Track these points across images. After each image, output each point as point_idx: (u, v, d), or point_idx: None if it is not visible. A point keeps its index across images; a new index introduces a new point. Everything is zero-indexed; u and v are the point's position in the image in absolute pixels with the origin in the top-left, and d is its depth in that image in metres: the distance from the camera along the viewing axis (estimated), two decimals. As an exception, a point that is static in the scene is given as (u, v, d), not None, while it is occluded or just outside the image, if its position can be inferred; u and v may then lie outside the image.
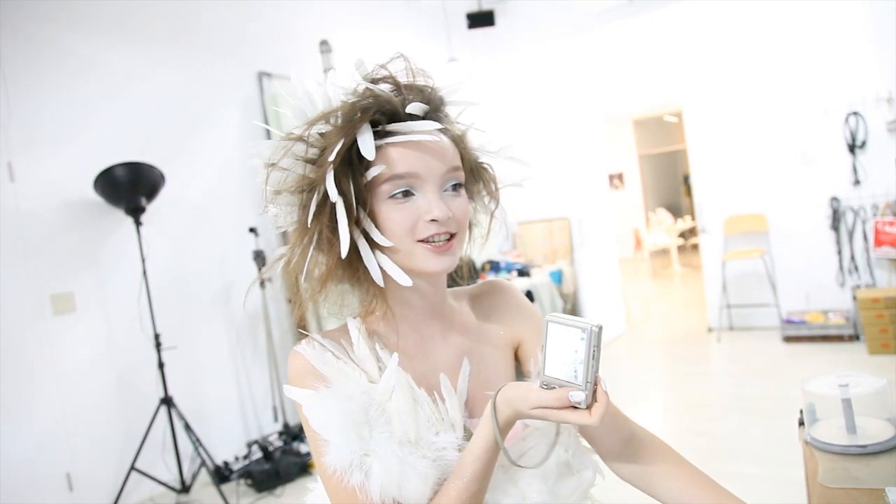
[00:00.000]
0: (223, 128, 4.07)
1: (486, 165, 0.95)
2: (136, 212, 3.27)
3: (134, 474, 3.24)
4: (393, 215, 0.80)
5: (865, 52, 4.72)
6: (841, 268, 4.99)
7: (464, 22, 5.73)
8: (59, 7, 3.27)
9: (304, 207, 0.82)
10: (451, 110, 0.90)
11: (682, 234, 10.82)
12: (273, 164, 0.82)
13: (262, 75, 4.27)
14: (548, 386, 0.72)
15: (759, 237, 5.35)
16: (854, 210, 4.90)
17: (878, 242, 4.73)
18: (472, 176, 0.92)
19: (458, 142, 0.88)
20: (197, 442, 3.37)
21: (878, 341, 4.35)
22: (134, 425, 3.37)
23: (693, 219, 10.29)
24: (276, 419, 3.97)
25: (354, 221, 0.80)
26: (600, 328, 0.69)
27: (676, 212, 11.40)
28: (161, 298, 3.45)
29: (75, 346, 3.24)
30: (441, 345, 0.92)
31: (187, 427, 3.36)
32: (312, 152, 0.81)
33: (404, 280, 0.81)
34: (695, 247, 10.69)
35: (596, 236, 6.12)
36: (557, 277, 5.81)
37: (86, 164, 3.23)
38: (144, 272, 3.30)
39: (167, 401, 3.32)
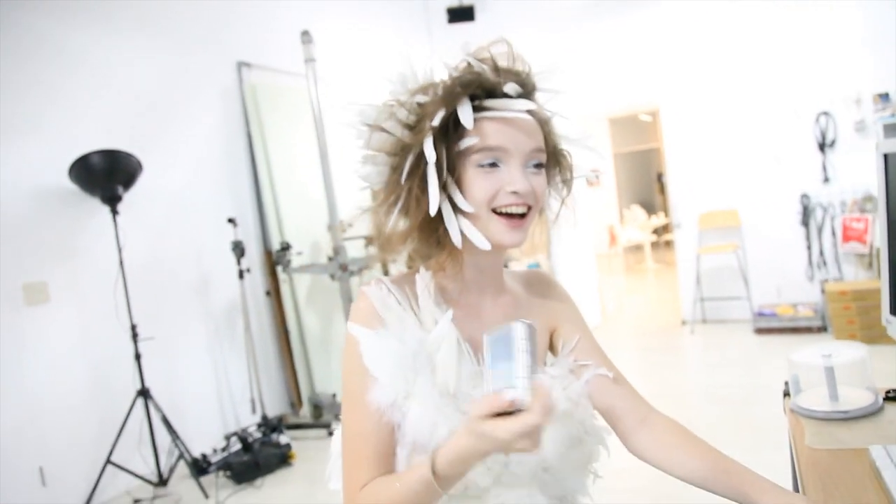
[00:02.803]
0: (202, 117, 4.03)
1: (565, 153, 1.01)
2: (112, 200, 3.21)
3: (109, 468, 3.19)
4: (478, 182, 0.87)
5: (835, 55, 4.85)
6: (810, 262, 5.12)
7: (444, 16, 5.74)
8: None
9: (396, 169, 0.89)
10: (540, 96, 0.95)
11: (656, 231, 10.97)
12: (375, 126, 0.89)
13: (241, 65, 4.24)
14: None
15: (732, 232, 5.46)
16: (823, 206, 5.03)
17: (846, 238, 4.87)
18: (552, 160, 0.98)
19: (544, 125, 0.95)
20: (174, 434, 3.33)
21: (845, 332, 4.48)
22: (109, 418, 3.31)
23: (666, 215, 10.43)
24: (253, 411, 3.93)
25: (441, 186, 0.86)
26: (526, 324, 0.67)
27: (650, 209, 11.55)
28: (138, 289, 3.40)
29: (49, 338, 3.17)
30: (492, 308, 0.99)
31: (164, 419, 3.32)
32: (410, 118, 0.89)
33: (483, 244, 0.87)
34: (668, 243, 10.85)
35: (572, 232, 6.18)
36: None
37: (61, 152, 3.16)
38: (121, 262, 3.26)
39: (144, 393, 3.28)
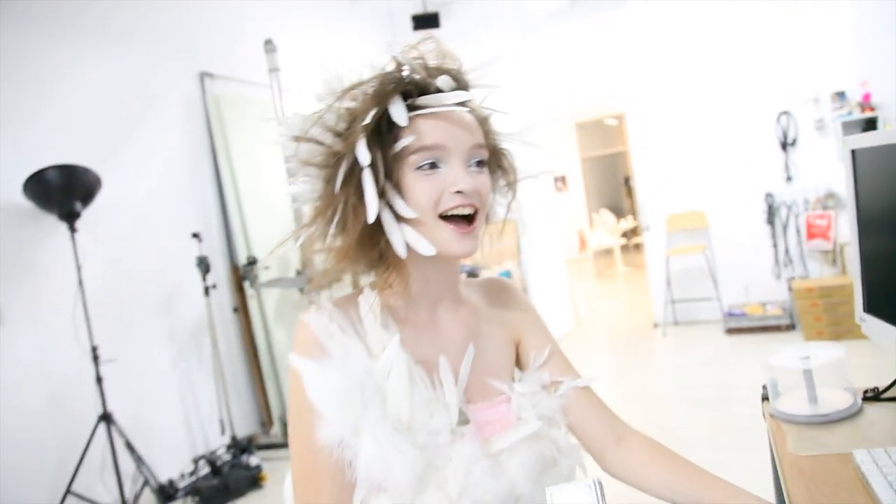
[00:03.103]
0: (164, 129, 3.92)
1: (506, 152, 0.96)
2: (70, 217, 3.10)
3: (70, 498, 3.04)
4: (419, 185, 0.81)
5: (793, 55, 4.94)
6: (777, 261, 5.19)
7: (409, 23, 5.72)
8: (-20, 2, 3.09)
9: (329, 181, 0.83)
10: (476, 93, 0.91)
11: (625, 234, 11.07)
12: (302, 137, 0.82)
13: (204, 75, 4.14)
14: None
15: (699, 233, 5.51)
16: (787, 205, 5.11)
17: (810, 235, 4.95)
18: (493, 161, 0.93)
19: (483, 122, 0.90)
20: (139, 460, 3.22)
21: (813, 329, 4.54)
22: (70, 445, 3.17)
23: (634, 219, 10.53)
24: (223, 432, 3.82)
25: (380, 193, 0.80)
26: (596, 483, 0.68)
27: (618, 212, 11.65)
28: (98, 309, 3.27)
29: (3, 362, 3.03)
30: (449, 323, 0.92)
31: (128, 444, 3.20)
32: (340, 125, 0.83)
33: (428, 249, 0.81)
34: (637, 246, 10.95)
35: (542, 237, 6.19)
36: (506, 277, 5.83)
37: (14, 167, 3.03)
38: (80, 281, 3.14)
39: (106, 417, 3.15)
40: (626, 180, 12.00)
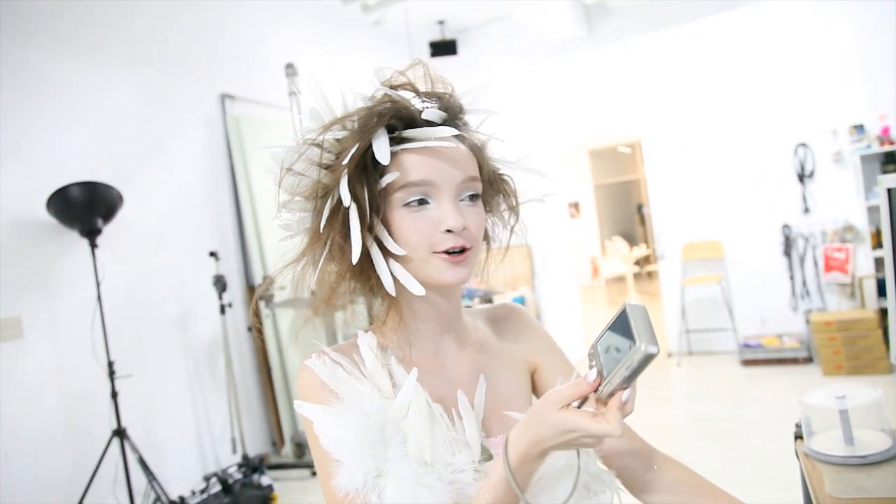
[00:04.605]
0: (184, 149, 3.97)
1: (506, 177, 0.93)
2: (91, 234, 3.13)
3: (82, 512, 3.05)
4: (407, 224, 0.78)
5: (812, 87, 4.95)
6: (793, 292, 5.14)
7: (427, 49, 5.79)
8: (13, 19, 3.15)
9: (318, 213, 0.80)
10: (470, 119, 0.88)
11: (638, 262, 11.02)
12: (288, 169, 0.81)
13: (224, 97, 4.20)
14: (589, 358, 0.69)
15: (715, 263, 5.48)
16: (805, 237, 5.08)
17: (828, 268, 4.91)
18: (490, 188, 0.90)
19: (477, 151, 0.86)
20: (151, 476, 3.20)
21: (831, 363, 4.48)
22: (83, 459, 3.18)
23: (647, 247, 10.49)
24: (234, 451, 3.81)
25: (368, 228, 0.78)
26: (650, 356, 0.62)
27: (631, 240, 11.62)
28: (116, 324, 3.29)
29: (21, 375, 3.04)
30: (456, 359, 0.89)
31: (141, 460, 3.19)
32: (328, 157, 0.80)
33: (417, 289, 0.79)
34: (650, 274, 10.90)
35: (556, 264, 6.18)
36: (520, 304, 5.82)
37: (39, 183, 3.08)
38: (99, 296, 3.16)
39: (120, 433, 3.15)
40: (639, 208, 12.00)
